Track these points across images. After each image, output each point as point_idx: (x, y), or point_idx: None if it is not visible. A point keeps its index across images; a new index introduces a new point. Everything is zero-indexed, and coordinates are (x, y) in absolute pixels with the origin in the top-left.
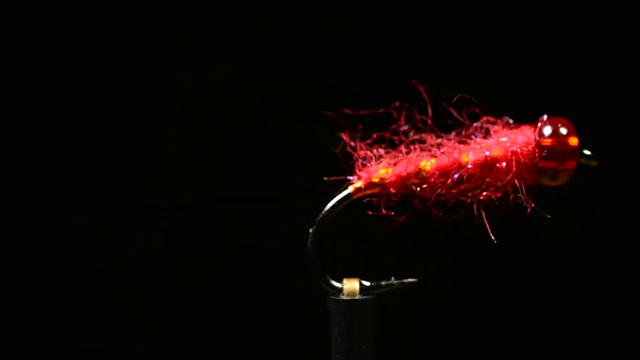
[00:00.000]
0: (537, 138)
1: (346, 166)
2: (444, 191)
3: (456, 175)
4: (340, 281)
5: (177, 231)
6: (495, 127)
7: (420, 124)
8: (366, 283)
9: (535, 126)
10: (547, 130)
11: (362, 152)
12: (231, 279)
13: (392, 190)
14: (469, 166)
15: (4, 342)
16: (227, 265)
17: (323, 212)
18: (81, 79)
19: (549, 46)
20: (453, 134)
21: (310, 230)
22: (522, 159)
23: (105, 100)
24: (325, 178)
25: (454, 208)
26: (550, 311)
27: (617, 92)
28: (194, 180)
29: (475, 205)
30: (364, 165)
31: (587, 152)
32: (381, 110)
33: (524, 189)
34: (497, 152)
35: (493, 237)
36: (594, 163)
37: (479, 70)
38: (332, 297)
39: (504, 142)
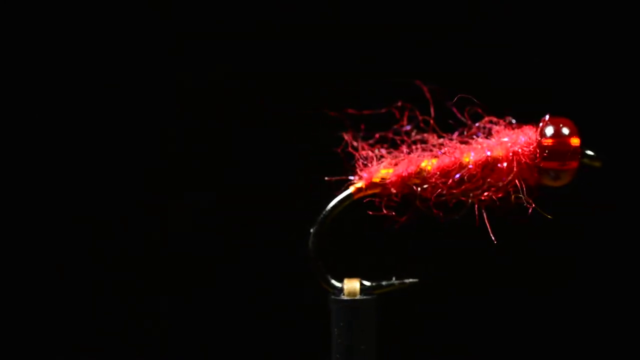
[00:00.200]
0: (539, 138)
1: (347, 166)
2: (445, 191)
3: (457, 176)
4: (341, 281)
5: (177, 231)
6: (497, 128)
7: (422, 124)
8: (367, 283)
9: (537, 126)
10: (549, 130)
11: (363, 152)
12: (231, 279)
13: (393, 190)
14: (470, 166)
15: (4, 342)
16: (227, 265)
17: (324, 212)
18: (81, 79)
19: (549, 46)
20: (455, 134)
21: (311, 230)
22: (524, 160)
23: (105, 100)
24: (326, 178)
25: (455, 208)
26: (550, 311)
27: (617, 92)
28: (194, 180)
29: (476, 206)
30: (365, 165)
31: (589, 152)
32: (384, 110)
33: (525, 189)
34: (498, 153)
35: (493, 238)
36: (596, 163)
37: (479, 70)
38: (332, 297)
39: (505, 142)
